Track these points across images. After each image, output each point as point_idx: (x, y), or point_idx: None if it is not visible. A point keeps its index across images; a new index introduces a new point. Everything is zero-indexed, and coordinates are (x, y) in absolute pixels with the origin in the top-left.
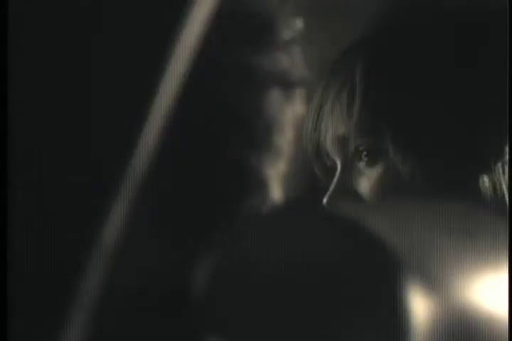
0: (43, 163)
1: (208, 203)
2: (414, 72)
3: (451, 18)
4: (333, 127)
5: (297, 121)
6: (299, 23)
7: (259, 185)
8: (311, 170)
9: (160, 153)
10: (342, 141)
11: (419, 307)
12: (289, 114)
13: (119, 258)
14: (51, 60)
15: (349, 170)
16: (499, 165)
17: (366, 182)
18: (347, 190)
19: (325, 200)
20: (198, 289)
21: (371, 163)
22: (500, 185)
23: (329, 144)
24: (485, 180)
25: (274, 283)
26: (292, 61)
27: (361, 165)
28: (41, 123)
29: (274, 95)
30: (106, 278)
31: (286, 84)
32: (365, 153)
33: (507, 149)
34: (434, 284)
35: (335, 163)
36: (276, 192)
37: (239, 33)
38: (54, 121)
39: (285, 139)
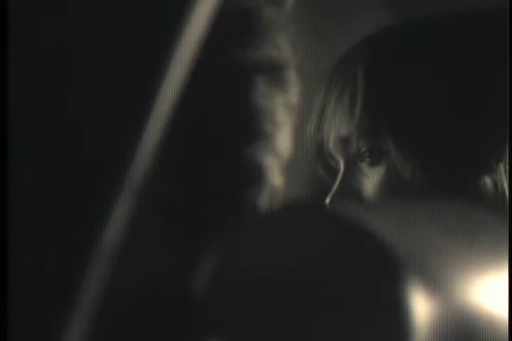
0: (44, 163)
1: (210, 204)
2: (415, 72)
3: (452, 19)
4: (336, 128)
5: (297, 117)
6: (287, 16)
7: (261, 184)
8: (313, 170)
9: (161, 154)
10: (344, 142)
11: (420, 307)
12: (286, 107)
13: (119, 259)
14: (52, 60)
15: (352, 171)
16: (500, 165)
17: (369, 183)
18: (350, 190)
19: (327, 200)
20: (199, 290)
21: (373, 164)
22: (502, 185)
23: (332, 145)
24: (485, 180)
25: (274, 283)
26: (281, 52)
27: (364, 165)
28: (42, 123)
29: (266, 87)
30: (106, 278)
31: (277, 76)
32: (367, 153)
33: (507, 149)
34: (435, 284)
35: (338, 164)
36: (278, 192)
37: (230, 30)
38: (55, 122)
39: (284, 135)
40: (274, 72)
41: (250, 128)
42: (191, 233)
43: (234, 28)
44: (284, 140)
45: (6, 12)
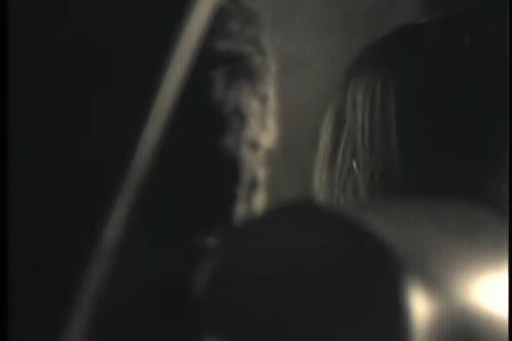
0: (44, 163)
1: (209, 204)
2: (415, 72)
3: (451, 19)
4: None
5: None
6: (264, 15)
7: (259, 184)
8: (310, 170)
9: (160, 154)
10: (354, 145)
11: (420, 307)
12: (257, 98)
13: (119, 259)
14: (52, 60)
15: (349, 170)
16: (499, 165)
17: (366, 182)
18: (347, 189)
19: (325, 200)
20: (198, 289)
21: (371, 163)
22: (500, 184)
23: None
24: (485, 181)
25: (274, 283)
26: (246, 41)
27: (361, 164)
28: (42, 123)
29: (230, 78)
30: (106, 278)
31: (243, 65)
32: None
33: (507, 149)
34: (435, 284)
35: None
36: (264, 186)
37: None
38: (54, 122)
39: (258, 126)
40: (239, 62)
41: (217, 122)
42: (191, 233)
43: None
44: (258, 132)
45: (6, 12)
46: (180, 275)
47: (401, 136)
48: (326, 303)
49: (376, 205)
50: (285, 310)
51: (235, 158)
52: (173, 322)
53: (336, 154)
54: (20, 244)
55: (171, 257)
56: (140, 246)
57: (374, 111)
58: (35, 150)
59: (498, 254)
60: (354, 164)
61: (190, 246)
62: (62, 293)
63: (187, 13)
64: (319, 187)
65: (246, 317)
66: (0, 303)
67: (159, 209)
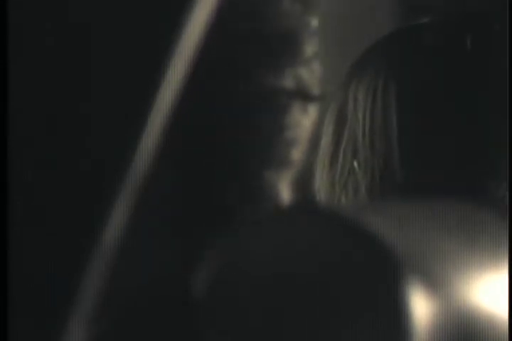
0: (44, 163)
1: (209, 204)
2: (416, 72)
3: (451, 19)
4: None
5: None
6: (320, 38)
7: (262, 187)
8: (311, 170)
9: (161, 154)
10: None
11: (419, 307)
12: (306, 127)
13: (119, 259)
14: (52, 60)
15: (350, 169)
16: (499, 165)
17: (366, 182)
18: (348, 189)
19: (326, 200)
20: (199, 290)
21: (372, 163)
22: (500, 185)
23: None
24: (485, 181)
25: (273, 283)
26: (312, 75)
27: (362, 164)
28: (42, 123)
29: (292, 109)
30: (106, 278)
31: (305, 99)
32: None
33: (507, 149)
34: (435, 284)
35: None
36: (281, 197)
37: (258, 51)
38: (55, 122)
39: (298, 151)
40: (305, 98)
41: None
42: (191, 233)
43: (268, 50)
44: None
45: (6, 12)
46: (180, 275)
47: (401, 136)
48: (325, 303)
49: (376, 205)
50: (285, 310)
51: (236, 158)
52: (174, 323)
53: (337, 153)
54: (20, 244)
55: (171, 257)
56: (140, 246)
57: (375, 110)
58: (35, 150)
59: (498, 255)
60: (355, 163)
61: (191, 246)
62: (62, 293)
63: (187, 13)
64: (321, 187)
65: (246, 318)
66: (0, 303)
67: (159, 209)
